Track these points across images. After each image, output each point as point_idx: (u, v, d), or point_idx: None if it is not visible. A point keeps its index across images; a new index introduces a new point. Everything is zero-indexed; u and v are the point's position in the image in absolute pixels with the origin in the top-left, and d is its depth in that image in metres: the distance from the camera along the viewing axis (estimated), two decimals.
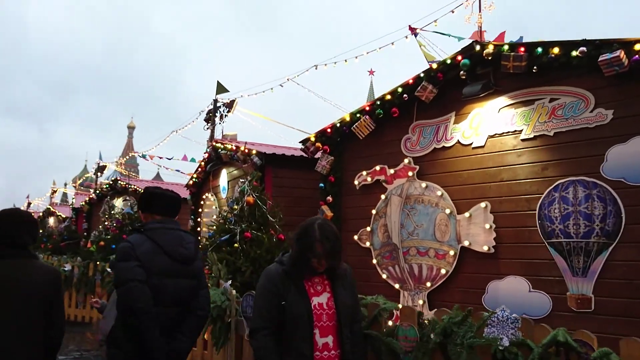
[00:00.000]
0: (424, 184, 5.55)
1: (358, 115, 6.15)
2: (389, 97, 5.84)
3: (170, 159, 20.73)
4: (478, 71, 5.22)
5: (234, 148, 8.54)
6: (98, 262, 9.72)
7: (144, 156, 20.90)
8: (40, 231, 20.79)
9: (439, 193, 5.40)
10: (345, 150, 6.51)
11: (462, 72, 5.20)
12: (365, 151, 6.24)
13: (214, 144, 9.65)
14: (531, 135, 4.83)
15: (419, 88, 5.49)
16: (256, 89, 13.88)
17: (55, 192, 33.76)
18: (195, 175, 11.03)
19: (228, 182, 9.52)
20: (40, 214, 26.74)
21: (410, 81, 5.65)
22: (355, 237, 6.14)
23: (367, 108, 6.06)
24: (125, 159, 21.55)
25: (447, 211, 5.29)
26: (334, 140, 6.52)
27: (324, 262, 2.54)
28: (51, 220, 25.05)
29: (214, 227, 6.82)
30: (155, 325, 2.74)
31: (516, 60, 4.75)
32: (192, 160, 20.57)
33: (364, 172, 6.14)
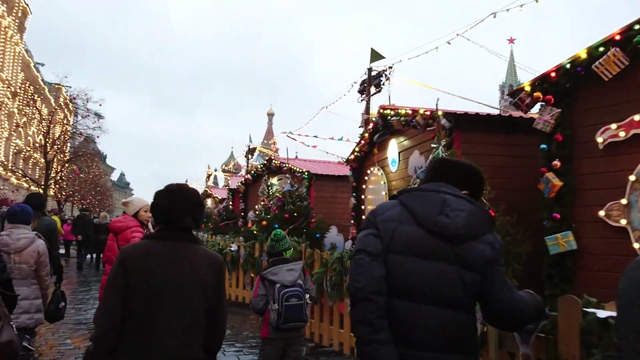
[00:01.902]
0: None
1: (601, 49, 4.55)
2: None
3: (315, 137, 20.50)
4: None
5: (410, 112, 7.36)
6: (263, 243, 9.29)
7: (290, 136, 20.88)
8: None
9: None
10: (578, 99, 4.94)
11: None
12: (611, 97, 4.62)
13: (381, 111, 8.56)
14: None
15: None
16: (410, 53, 12.53)
17: (210, 175, 36.16)
18: (357, 149, 10.10)
19: (399, 153, 8.41)
20: None
21: None
22: (601, 213, 4.58)
23: (618, 37, 4.43)
24: (275, 139, 21.70)
25: None
26: (561, 87, 4.98)
27: None
28: (209, 202, 26.61)
29: None
30: (376, 321, 1.85)
31: None
32: (340, 138, 20.09)
33: (613, 126, 4.53)
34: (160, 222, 2.32)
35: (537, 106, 5.24)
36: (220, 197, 25.35)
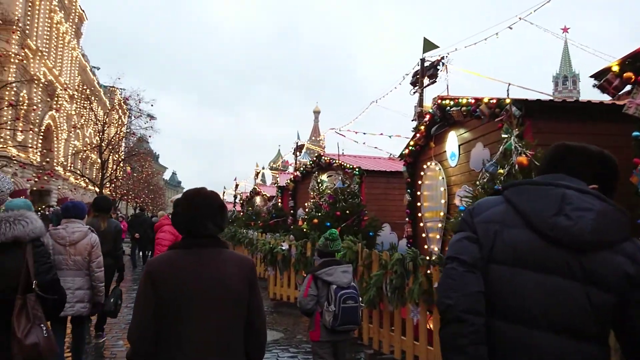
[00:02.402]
0: None
1: None
2: None
3: (364, 134, 20.04)
4: None
5: (473, 101, 6.82)
6: (316, 241, 8.96)
7: (339, 132, 20.54)
8: (250, 209, 22.14)
9: None
10: None
11: None
12: None
13: (439, 101, 8.04)
14: None
15: None
16: (466, 42, 11.86)
17: (258, 173, 36.35)
18: (412, 143, 9.60)
19: (459, 146, 7.86)
20: (248, 194, 28.75)
21: None
22: None
23: None
24: (323, 134, 21.28)
25: None
26: None
27: None
28: (257, 200, 26.67)
29: (470, 198, 5.24)
30: (470, 348, 1.49)
31: None
32: (389, 136, 19.59)
33: None
34: (182, 231, 2.26)
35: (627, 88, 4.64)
36: (268, 195, 25.33)
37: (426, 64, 12.26)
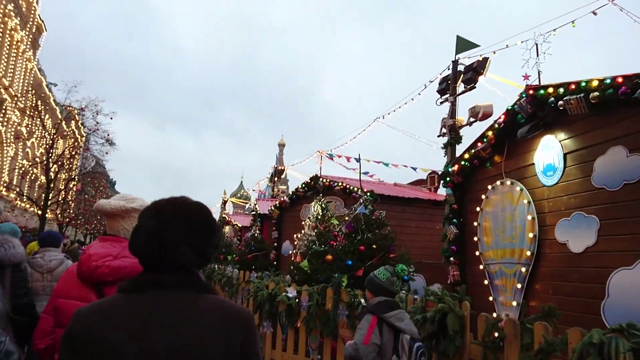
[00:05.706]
0: None
1: None
2: None
3: (358, 160, 17.71)
4: None
5: (620, 81, 4.44)
6: (341, 289, 6.23)
7: (331, 156, 18.16)
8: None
9: None
10: None
11: None
12: None
13: (530, 92, 5.65)
14: None
15: None
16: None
17: (225, 202, 33.45)
18: (466, 157, 7.15)
19: (565, 155, 5.44)
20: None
21: None
22: None
23: None
24: (318, 153, 18.61)
25: None
26: None
27: None
28: (227, 230, 23.87)
29: None
30: None
31: None
32: (412, 168, 17.42)
33: None
34: (141, 260, 1.37)
35: None
36: (240, 225, 22.54)
37: (461, 67, 9.99)
